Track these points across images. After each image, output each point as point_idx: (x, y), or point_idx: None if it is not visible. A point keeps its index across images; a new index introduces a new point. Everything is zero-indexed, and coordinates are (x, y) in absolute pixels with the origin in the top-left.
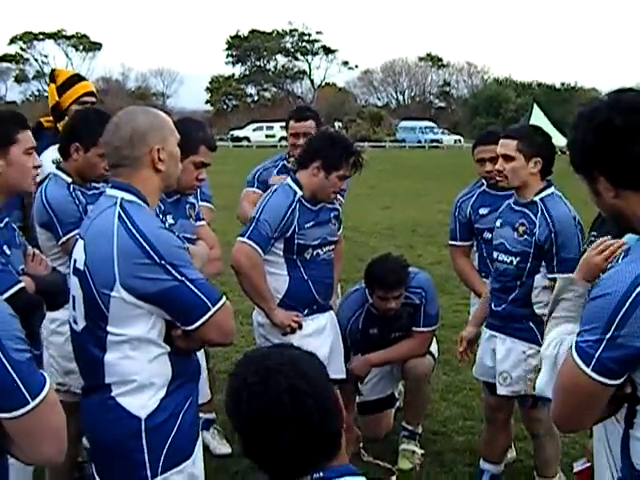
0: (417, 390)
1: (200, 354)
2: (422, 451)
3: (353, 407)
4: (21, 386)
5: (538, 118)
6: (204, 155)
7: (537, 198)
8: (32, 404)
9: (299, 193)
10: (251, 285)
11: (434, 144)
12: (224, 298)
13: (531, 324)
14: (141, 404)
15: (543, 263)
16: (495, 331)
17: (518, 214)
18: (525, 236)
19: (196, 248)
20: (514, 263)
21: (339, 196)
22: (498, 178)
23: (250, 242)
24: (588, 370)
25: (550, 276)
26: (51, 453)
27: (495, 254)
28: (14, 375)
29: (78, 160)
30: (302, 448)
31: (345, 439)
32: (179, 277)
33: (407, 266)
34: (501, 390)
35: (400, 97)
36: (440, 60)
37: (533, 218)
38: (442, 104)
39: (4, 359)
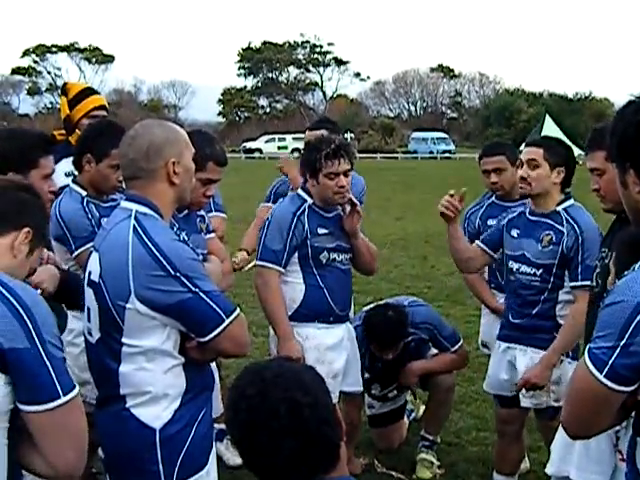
0: (444, 400)
1: (213, 366)
2: (438, 462)
3: (357, 432)
4: (55, 380)
5: (550, 128)
6: (212, 172)
7: (560, 208)
8: (63, 399)
9: (309, 201)
10: (263, 307)
11: (446, 155)
12: (238, 310)
13: (555, 334)
14: (155, 415)
15: (566, 273)
16: (513, 343)
17: (541, 225)
18: (551, 246)
19: (211, 266)
20: (538, 275)
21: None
22: (521, 185)
23: (261, 263)
24: (600, 376)
25: (573, 284)
26: (73, 459)
27: (515, 265)
28: (50, 368)
29: (90, 172)
30: (301, 459)
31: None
32: (193, 289)
33: (405, 319)
34: (524, 402)
35: (412, 108)
36: (452, 71)
37: (559, 227)
38: (454, 115)
39: (42, 351)
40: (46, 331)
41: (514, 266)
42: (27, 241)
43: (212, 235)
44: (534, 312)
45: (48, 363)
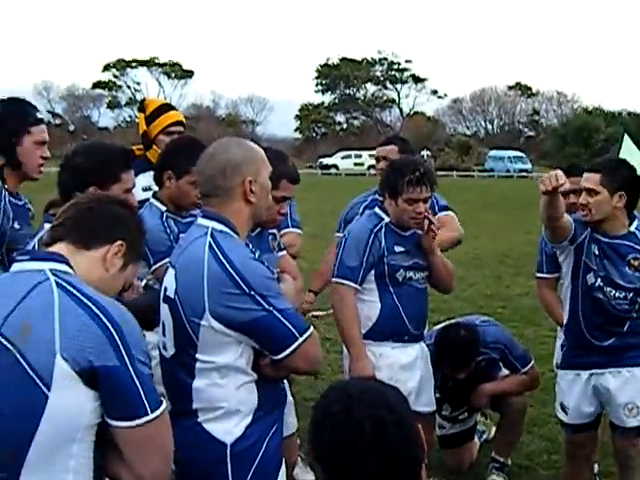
0: (516, 422)
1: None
2: None
3: (430, 453)
4: (143, 397)
5: (629, 148)
6: (285, 189)
7: (633, 229)
8: (151, 416)
9: (386, 219)
10: (338, 324)
11: (522, 174)
12: (312, 328)
13: None
14: (227, 430)
15: None
16: (602, 368)
17: (620, 247)
18: None
19: (284, 287)
20: (628, 297)
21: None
22: (582, 212)
23: (338, 279)
24: None
25: None
26: (159, 472)
27: (599, 282)
28: (138, 385)
29: (170, 188)
30: (384, 478)
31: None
32: (267, 307)
33: (477, 339)
34: (631, 422)
35: (489, 126)
36: (529, 89)
37: None
38: (531, 133)
39: (131, 368)
40: (135, 349)
41: (600, 283)
42: (120, 255)
43: (284, 253)
44: (624, 330)
45: (137, 380)
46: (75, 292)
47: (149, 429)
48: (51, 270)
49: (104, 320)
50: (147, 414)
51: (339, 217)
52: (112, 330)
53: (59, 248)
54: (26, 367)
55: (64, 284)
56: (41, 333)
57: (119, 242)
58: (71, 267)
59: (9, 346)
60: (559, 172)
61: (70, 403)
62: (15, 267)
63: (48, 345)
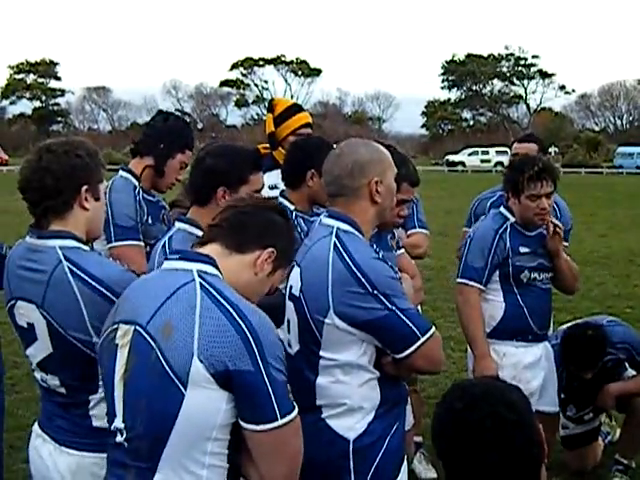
0: None
1: None
2: None
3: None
4: (274, 402)
5: None
6: (405, 192)
7: None
8: (279, 422)
9: (511, 219)
10: (462, 324)
11: None
12: (433, 328)
13: None
14: (350, 427)
15: None
16: None
17: None
18: None
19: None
20: None
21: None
22: None
23: (462, 280)
24: None
25: None
26: (283, 476)
27: None
28: (270, 390)
29: (312, 187)
30: (504, 475)
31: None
32: (390, 307)
33: (604, 339)
34: None
35: (618, 122)
36: None
37: None
38: None
39: (264, 373)
40: (270, 355)
41: None
42: (270, 261)
43: (402, 251)
44: None
45: (269, 386)
46: (217, 296)
47: (278, 435)
48: (198, 271)
49: (242, 325)
50: (276, 419)
51: (468, 212)
52: (249, 335)
53: (212, 249)
54: (165, 365)
55: (208, 287)
56: (181, 334)
57: (270, 249)
58: (218, 269)
59: (152, 344)
60: None
61: (205, 403)
62: (165, 265)
63: (186, 346)
